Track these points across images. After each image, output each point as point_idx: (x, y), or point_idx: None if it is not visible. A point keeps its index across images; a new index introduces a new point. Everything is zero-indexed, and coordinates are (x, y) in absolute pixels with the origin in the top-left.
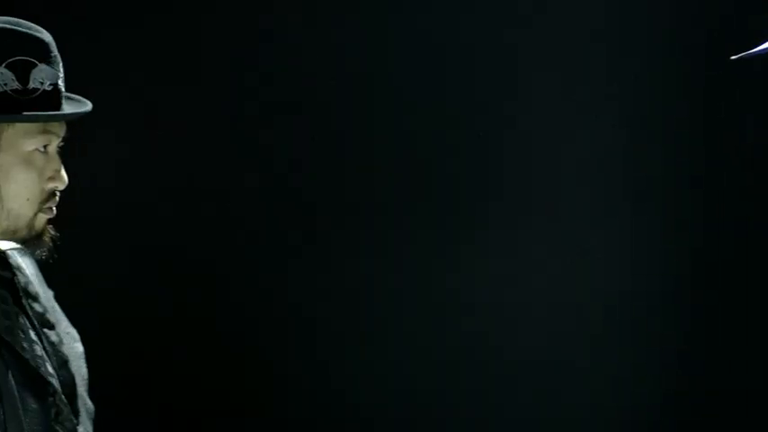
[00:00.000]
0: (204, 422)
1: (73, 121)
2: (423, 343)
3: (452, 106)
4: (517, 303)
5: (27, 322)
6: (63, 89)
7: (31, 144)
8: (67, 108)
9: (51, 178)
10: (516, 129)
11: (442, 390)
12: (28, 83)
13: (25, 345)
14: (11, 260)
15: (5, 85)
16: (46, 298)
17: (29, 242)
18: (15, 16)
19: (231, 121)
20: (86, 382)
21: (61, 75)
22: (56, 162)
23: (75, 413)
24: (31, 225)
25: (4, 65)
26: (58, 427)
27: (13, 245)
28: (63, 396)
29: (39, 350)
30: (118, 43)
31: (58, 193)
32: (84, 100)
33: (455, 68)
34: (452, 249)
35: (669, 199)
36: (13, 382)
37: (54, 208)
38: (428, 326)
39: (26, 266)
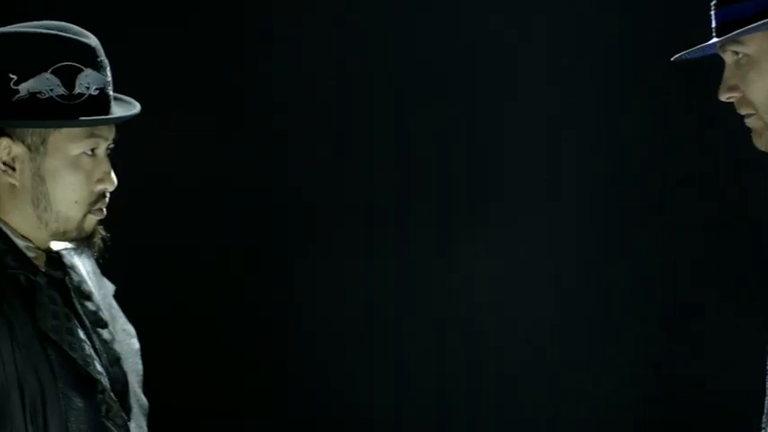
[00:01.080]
0: (204, 422)
1: (121, 124)
2: (423, 343)
3: (452, 106)
4: (517, 303)
5: (77, 321)
6: (111, 93)
7: (78, 148)
8: (116, 111)
9: (100, 180)
10: (516, 129)
11: (442, 390)
12: (74, 88)
13: (73, 344)
14: (65, 260)
15: (51, 90)
16: (101, 296)
17: (79, 243)
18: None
19: (231, 122)
20: (141, 378)
21: (109, 79)
22: (105, 164)
23: (127, 410)
24: (80, 227)
25: (50, 71)
26: (108, 424)
27: (68, 244)
28: (112, 393)
29: (87, 349)
30: (116, 43)
31: (107, 195)
32: (134, 102)
33: (455, 68)
34: (452, 249)
35: (669, 200)
36: (57, 382)
37: (104, 209)
38: (428, 326)
39: (81, 265)
